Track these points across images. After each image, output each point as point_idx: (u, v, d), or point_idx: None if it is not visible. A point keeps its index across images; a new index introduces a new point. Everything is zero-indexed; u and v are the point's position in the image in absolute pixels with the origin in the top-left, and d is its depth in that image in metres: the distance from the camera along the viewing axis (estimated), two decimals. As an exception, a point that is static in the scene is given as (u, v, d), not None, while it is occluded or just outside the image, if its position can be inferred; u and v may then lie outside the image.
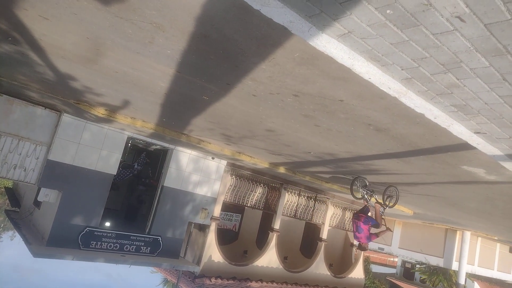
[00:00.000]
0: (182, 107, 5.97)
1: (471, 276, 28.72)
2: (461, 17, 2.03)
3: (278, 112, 4.89)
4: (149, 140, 9.78)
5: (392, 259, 45.26)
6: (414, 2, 2.01)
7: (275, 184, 12.83)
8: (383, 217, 8.27)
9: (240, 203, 12.07)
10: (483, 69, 2.53)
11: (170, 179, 10.15)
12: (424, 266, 32.05)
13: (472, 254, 21.34)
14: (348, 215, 15.61)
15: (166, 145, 10.13)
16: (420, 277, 35.47)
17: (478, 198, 8.02)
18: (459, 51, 2.38)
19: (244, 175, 11.97)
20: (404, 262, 40.14)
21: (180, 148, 10.25)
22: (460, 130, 3.89)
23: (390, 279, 39.96)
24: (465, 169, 5.67)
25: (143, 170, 11.90)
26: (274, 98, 4.33)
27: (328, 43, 2.61)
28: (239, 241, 14.50)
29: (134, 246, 9.54)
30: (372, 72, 2.92)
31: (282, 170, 10.70)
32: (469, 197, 8.19)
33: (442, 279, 31.16)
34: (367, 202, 8.40)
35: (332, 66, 3.01)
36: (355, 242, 8.94)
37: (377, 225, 8.04)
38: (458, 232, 20.03)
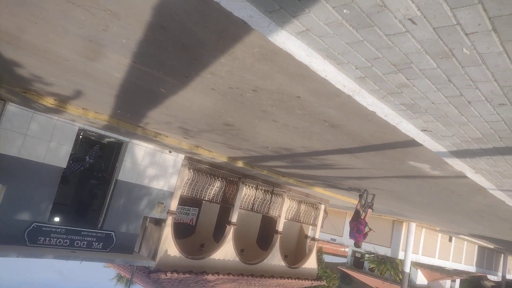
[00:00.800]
0: (138, 99, 5.78)
1: (415, 264, 30.64)
2: (413, 20, 2.14)
3: (237, 106, 4.89)
4: (102, 132, 9.39)
5: (343, 249, 47.15)
6: (370, 3, 2.09)
7: (233, 178, 12.85)
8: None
9: (198, 197, 11.98)
10: (431, 70, 2.69)
11: (124, 173, 9.83)
12: (373, 255, 33.67)
13: (416, 244, 22.77)
14: (304, 207, 16.01)
15: (120, 137, 9.78)
16: (369, 266, 37.27)
17: (423, 192, 8.55)
18: (410, 52, 2.51)
19: (202, 169, 11.87)
20: (354, 252, 41.97)
21: (135, 141, 9.95)
22: (408, 128, 4.11)
23: (341, 268, 41.62)
24: (412, 165, 6.01)
25: (95, 163, 11.42)
26: (233, 92, 4.32)
27: (287, 40, 2.65)
28: (196, 235, 14.41)
29: (86, 242, 9.17)
30: (329, 70, 3.00)
31: (240, 164, 10.74)
32: (415, 191, 8.71)
33: (389, 267, 32.93)
34: (364, 209, 10.29)
35: (291, 62, 3.05)
36: (353, 242, 10.80)
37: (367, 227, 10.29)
38: (404, 223, 21.26)
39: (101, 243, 9.41)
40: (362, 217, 10.15)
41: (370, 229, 10.55)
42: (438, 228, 22.16)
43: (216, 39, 2.96)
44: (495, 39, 2.15)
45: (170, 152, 10.68)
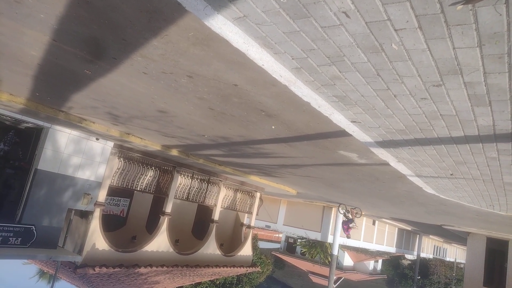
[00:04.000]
0: (59, 81, 5.28)
1: (343, 247, 32.70)
2: (347, 13, 2.17)
3: (171, 92, 4.69)
4: (19, 116, 8.48)
5: (277, 235, 48.72)
6: (306, -6, 2.08)
7: (167, 167, 12.48)
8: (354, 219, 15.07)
9: (129, 187, 11.44)
10: (362, 64, 2.79)
11: (45, 162, 9.03)
12: (304, 240, 35.27)
13: (344, 228, 24.20)
14: (240, 196, 16.14)
15: (40, 123, 8.93)
16: (301, 250, 39.02)
17: (351, 179, 9.05)
18: (343, 45, 2.57)
19: (133, 158, 11.34)
20: (287, 238, 43.63)
21: (57, 127, 9.15)
22: (339, 119, 4.26)
23: (275, 254, 43.05)
24: (342, 154, 6.30)
25: (11, 151, 10.32)
26: (167, 77, 4.12)
27: (224, 25, 2.56)
28: (128, 227, 13.82)
29: (1, 238, 8.30)
30: (266, 59, 2.97)
31: (175, 152, 10.44)
32: (343, 178, 9.19)
33: (320, 251, 34.78)
34: (348, 216, 15.12)
35: (227, 49, 2.97)
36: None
37: (352, 223, 15.16)
38: (333, 209, 22.47)
39: (20, 238, 8.58)
40: (351, 218, 14.86)
41: (354, 226, 15.38)
42: (363, 213, 23.79)
43: (147, 19, 2.77)
44: (420, 37, 2.27)
45: (97, 139, 10.02)
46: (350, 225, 14.90)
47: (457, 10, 1.94)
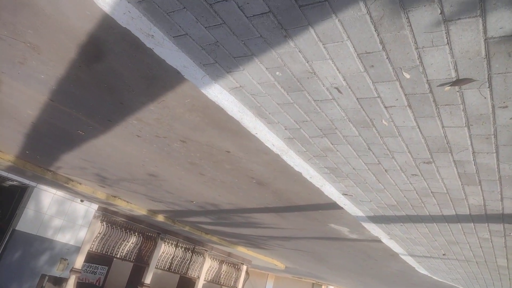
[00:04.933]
0: (51, 140, 5.27)
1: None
2: (339, 89, 2.26)
3: (163, 156, 4.67)
4: (4, 174, 8.31)
5: (263, 313, 45.55)
6: (301, 69, 2.18)
7: (151, 233, 12.01)
8: None
9: (109, 253, 10.87)
10: (353, 138, 2.84)
11: (25, 222, 8.64)
12: (291, 320, 32.89)
13: (333, 308, 22.85)
14: (225, 268, 15.38)
15: (26, 181, 8.72)
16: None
17: (341, 255, 8.75)
18: (335, 119, 2.63)
19: (117, 222, 10.94)
20: (273, 317, 40.74)
21: (43, 187, 8.93)
22: (331, 191, 4.24)
23: (260, 335, 39.83)
24: (332, 227, 6.16)
25: (-10, 209, 9.92)
26: (160, 141, 4.14)
27: (220, 94, 2.63)
28: (102, 297, 12.85)
29: (-40, 305, 7.61)
30: (259, 128, 3.02)
31: (161, 218, 10.13)
32: (334, 253, 8.88)
33: (307, 333, 32.30)
34: None
35: (222, 117, 3.03)
36: None
37: None
38: (323, 286, 21.41)
39: (-19, 306, 7.88)
40: None
41: None
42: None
43: (146, 85, 2.85)
44: (410, 114, 2.35)
45: (82, 201, 9.74)
46: None
47: (445, 91, 2.03)
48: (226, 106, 2.77)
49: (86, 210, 9.88)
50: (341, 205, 4.65)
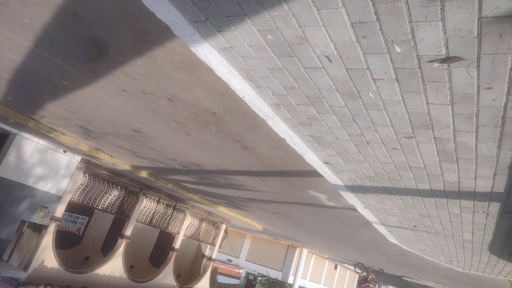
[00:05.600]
0: (34, 88, 5.13)
1: (303, 289, 32.07)
2: (330, 57, 2.25)
3: (149, 113, 4.63)
4: (-16, 118, 8.11)
5: (238, 270, 47.44)
6: (293, 34, 2.15)
7: (134, 188, 12.10)
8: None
9: (90, 204, 10.96)
10: (339, 108, 2.87)
11: (6, 168, 8.57)
12: (265, 278, 34.43)
13: (306, 269, 23.95)
14: (205, 226, 15.76)
15: (8, 128, 8.55)
16: (260, 288, 37.97)
17: (318, 220, 9.06)
18: (323, 88, 2.64)
19: (99, 175, 10.95)
20: (248, 274, 42.50)
21: (25, 135, 8.79)
22: (313, 159, 4.32)
23: (234, 290, 41.66)
24: (311, 194, 6.33)
25: (-31, 153, 9.76)
26: (147, 98, 4.08)
27: (210, 53, 2.59)
28: (82, 246, 13.10)
29: None
30: (247, 92, 3.01)
31: (144, 174, 10.18)
32: (311, 218, 9.18)
33: (279, 291, 33.94)
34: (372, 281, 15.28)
35: (211, 77, 2.99)
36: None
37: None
38: (297, 249, 22.27)
39: (-40, 248, 7.95)
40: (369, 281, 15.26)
41: None
42: (326, 256, 23.67)
43: (134, 38, 2.77)
44: (396, 88, 2.37)
45: (65, 151, 9.67)
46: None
47: (433, 67, 2.05)
48: (215, 67, 2.74)
49: (68, 161, 9.83)
50: (322, 173, 4.76)
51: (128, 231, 12.08)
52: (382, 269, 14.84)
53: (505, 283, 8.99)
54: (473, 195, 3.86)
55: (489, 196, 3.76)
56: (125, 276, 12.02)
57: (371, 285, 14.95)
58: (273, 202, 8.67)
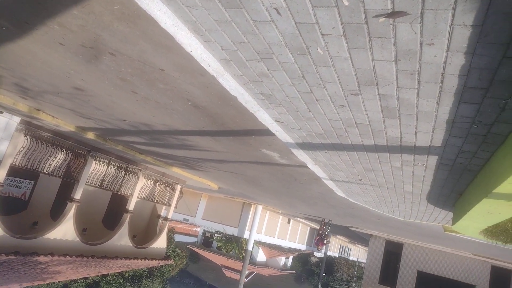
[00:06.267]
0: (-45, 40, 4.57)
1: (258, 243, 33.54)
2: (279, 10, 2.18)
3: (90, 69, 4.33)
4: None
5: (195, 229, 48.32)
6: (241, -16, 2.05)
7: (81, 150, 11.58)
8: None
9: (34, 168, 10.38)
10: (289, 64, 2.84)
11: None
12: (221, 235, 35.45)
13: (261, 225, 24.90)
14: (159, 187, 15.63)
15: None
16: (217, 245, 39.18)
17: (271, 178, 9.29)
18: (273, 43, 2.59)
19: (42, 137, 10.31)
20: (205, 232, 43.50)
21: (-49, 93, 7.94)
22: (264, 117, 4.32)
23: (191, 247, 42.67)
24: (264, 152, 6.42)
25: None
26: (87, 52, 3.79)
27: (152, 2, 2.41)
28: (29, 211, 12.54)
29: None
30: (194, 46, 2.88)
31: (91, 136, 9.72)
32: (265, 176, 9.40)
33: (235, 246, 35.23)
34: (325, 231, 15.55)
35: (155, 29, 2.81)
36: None
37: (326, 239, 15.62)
38: (252, 206, 22.95)
39: None
40: (324, 236, 15.51)
41: (327, 242, 16.72)
42: (280, 211, 24.68)
43: (67, -17, 2.51)
44: (344, 44, 2.37)
45: (1, 112, 8.92)
46: (325, 242, 15.54)
47: (379, 22, 2.06)
48: (159, 18, 2.56)
49: (6, 122, 9.11)
50: (273, 131, 4.81)
51: (77, 195, 11.70)
52: (330, 220, 15.75)
53: (439, 228, 9.95)
54: (414, 149, 4.11)
55: (428, 150, 4.02)
56: (78, 239, 11.79)
57: (325, 239, 15.62)
58: (228, 161, 8.71)
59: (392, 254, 19.72)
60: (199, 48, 2.90)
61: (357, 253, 64.97)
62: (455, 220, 6.07)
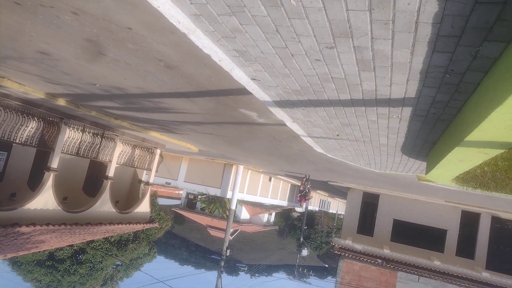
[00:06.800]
0: None
1: (241, 202, 34.31)
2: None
3: (53, 31, 4.08)
4: None
5: (178, 192, 48.79)
6: None
7: (53, 118, 11.19)
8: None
9: (6, 139, 10.02)
10: (262, 18, 2.74)
11: None
12: (204, 196, 36.00)
13: (243, 184, 25.32)
14: (138, 152, 15.48)
15: None
16: (201, 206, 39.87)
17: (251, 138, 9.32)
18: (244, -5, 2.47)
19: (11, 106, 9.87)
20: (188, 194, 44.03)
21: None
22: (240, 75, 4.24)
23: (175, 210, 43.30)
24: (242, 112, 6.38)
25: None
26: (47, 12, 3.55)
27: (111, -47, 2.24)
28: (5, 183, 12.28)
29: None
30: (161, 1, 2.73)
31: (62, 102, 9.36)
32: (244, 136, 9.41)
33: (218, 206, 35.97)
34: (306, 188, 16.09)
35: (118, -16, 2.64)
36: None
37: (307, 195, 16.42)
38: (234, 166, 23.18)
39: None
40: (307, 192, 16.11)
41: (310, 198, 17.08)
42: (261, 170, 25.05)
43: None
44: (317, -6, 2.29)
45: (-38, 82, 8.41)
46: (307, 198, 16.29)
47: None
48: (121, -30, 2.39)
49: (-33, 92, 8.64)
50: (250, 90, 4.74)
51: (54, 163, 11.47)
52: (309, 175, 16.22)
53: (414, 178, 10.37)
54: (388, 102, 4.15)
55: (402, 102, 4.07)
56: (59, 208, 11.71)
57: (307, 195, 16.24)
58: (206, 123, 8.64)
59: (369, 205, 20.60)
60: (166, 3, 2.76)
61: (336, 206, 67.61)
62: (428, 169, 6.32)
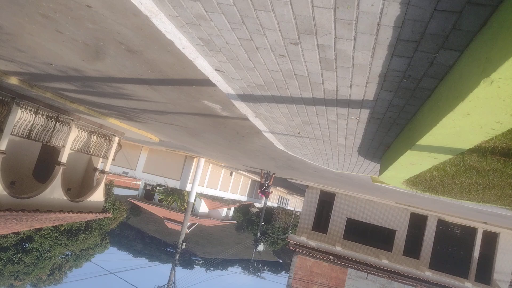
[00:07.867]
0: None
1: (200, 195, 34.02)
2: None
3: (4, 3, 3.80)
4: None
5: (135, 182, 47.53)
6: None
7: (3, 97, 10.48)
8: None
9: None
10: (228, 7, 2.70)
11: None
12: (163, 188, 35.35)
13: (203, 177, 25.11)
14: (95, 139, 14.88)
15: None
16: (159, 197, 39.12)
17: (213, 130, 9.23)
18: (210, -19, 2.42)
19: (-47, 80, 9.13)
20: (146, 185, 43.03)
21: None
22: (204, 65, 4.17)
23: (131, 200, 42.18)
24: (206, 104, 6.29)
25: None
26: (-3, -20, 3.29)
27: None
28: None
29: None
30: (124, -21, 2.61)
31: (14, 81, 8.78)
32: (207, 129, 9.31)
33: (177, 198, 35.47)
34: (267, 180, 16.78)
35: (77, -43, 2.49)
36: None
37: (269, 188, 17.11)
38: (195, 159, 22.92)
39: None
40: (267, 187, 16.72)
41: (272, 191, 17.93)
42: (223, 164, 24.95)
43: None
44: (284, -12, 2.29)
45: None
46: (268, 190, 16.87)
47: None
48: None
49: None
50: (214, 81, 4.68)
51: (2, 145, 10.76)
52: (270, 171, 16.52)
53: (368, 179, 10.74)
54: (348, 103, 4.25)
55: (361, 104, 4.18)
56: (5, 193, 11.01)
57: (267, 189, 16.69)
58: (168, 113, 8.45)
59: (325, 203, 21.17)
60: (129, -18, 2.64)
61: (294, 203, 68.92)
62: (381, 171, 6.56)
